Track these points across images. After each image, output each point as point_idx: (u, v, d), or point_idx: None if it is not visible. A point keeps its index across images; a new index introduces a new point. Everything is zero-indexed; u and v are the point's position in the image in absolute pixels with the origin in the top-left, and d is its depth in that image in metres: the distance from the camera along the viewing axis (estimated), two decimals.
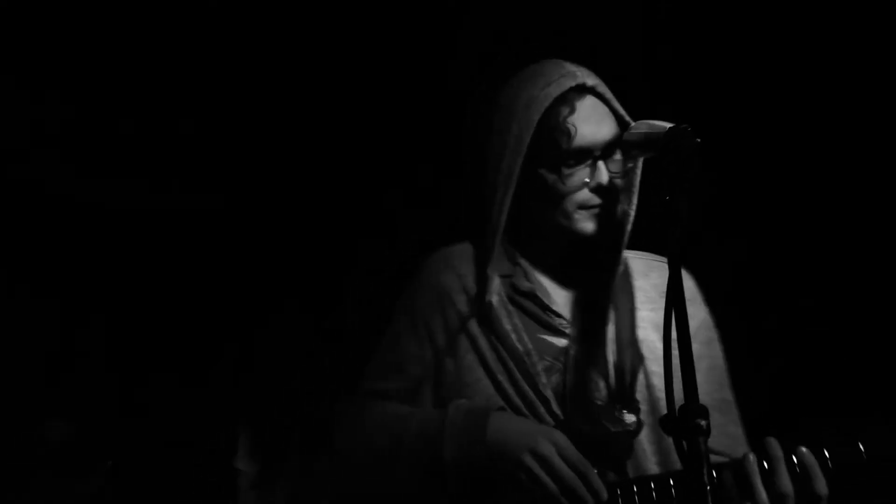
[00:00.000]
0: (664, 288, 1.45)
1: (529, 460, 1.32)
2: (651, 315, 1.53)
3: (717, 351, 1.57)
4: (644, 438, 1.45)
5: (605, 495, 1.31)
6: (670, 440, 1.36)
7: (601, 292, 1.55)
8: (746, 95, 2.53)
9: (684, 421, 1.08)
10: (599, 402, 1.46)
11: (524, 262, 1.58)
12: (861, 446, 1.24)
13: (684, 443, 1.08)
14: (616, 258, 1.55)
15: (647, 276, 1.60)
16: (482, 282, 1.54)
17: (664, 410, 1.37)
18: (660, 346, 1.46)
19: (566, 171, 1.49)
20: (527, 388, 1.47)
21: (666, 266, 1.48)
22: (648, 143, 1.39)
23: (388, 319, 1.64)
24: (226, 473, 2.59)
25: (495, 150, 1.56)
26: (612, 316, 1.53)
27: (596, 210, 1.50)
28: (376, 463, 1.46)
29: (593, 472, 1.32)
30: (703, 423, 1.07)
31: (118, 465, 2.46)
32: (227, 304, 2.78)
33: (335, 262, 2.77)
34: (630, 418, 1.42)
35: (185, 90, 2.72)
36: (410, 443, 1.42)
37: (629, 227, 1.55)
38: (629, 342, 1.50)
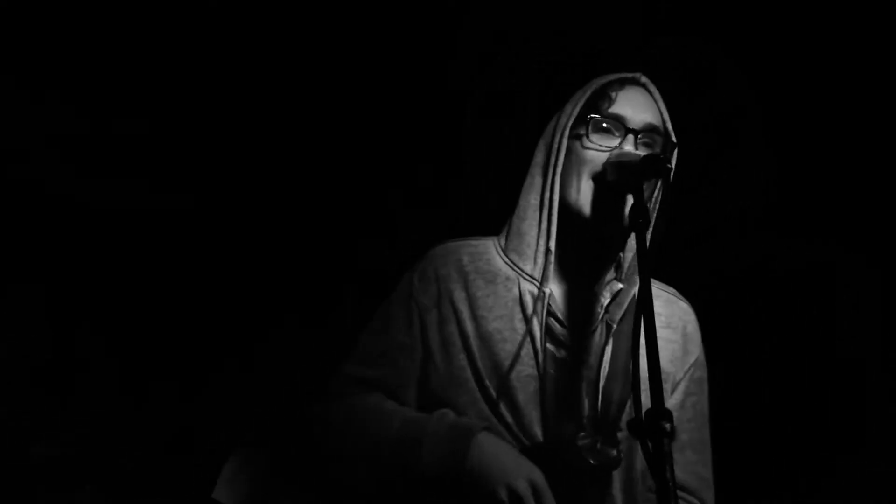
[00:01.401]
0: (668, 320, 1.55)
1: (504, 496, 1.32)
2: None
3: (704, 390, 1.59)
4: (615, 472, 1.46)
5: None
6: (638, 476, 1.47)
7: (608, 311, 1.52)
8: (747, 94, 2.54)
9: (650, 424, 1.10)
10: (582, 433, 1.44)
11: (549, 267, 1.51)
12: None
13: (649, 444, 1.09)
14: (633, 273, 1.50)
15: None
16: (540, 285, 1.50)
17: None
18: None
19: (594, 135, 1.49)
20: (517, 399, 1.45)
21: (674, 298, 1.60)
22: (625, 169, 1.39)
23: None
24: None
25: (546, 134, 1.57)
26: (611, 339, 1.50)
27: (607, 198, 1.45)
28: (352, 458, 1.46)
29: None
30: (667, 425, 1.09)
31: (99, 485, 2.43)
32: (228, 306, 2.78)
33: (335, 263, 2.77)
34: (611, 453, 1.42)
35: (189, 92, 2.71)
36: (390, 446, 1.41)
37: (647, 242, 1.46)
38: (623, 369, 1.47)
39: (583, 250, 1.55)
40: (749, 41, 2.50)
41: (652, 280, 1.51)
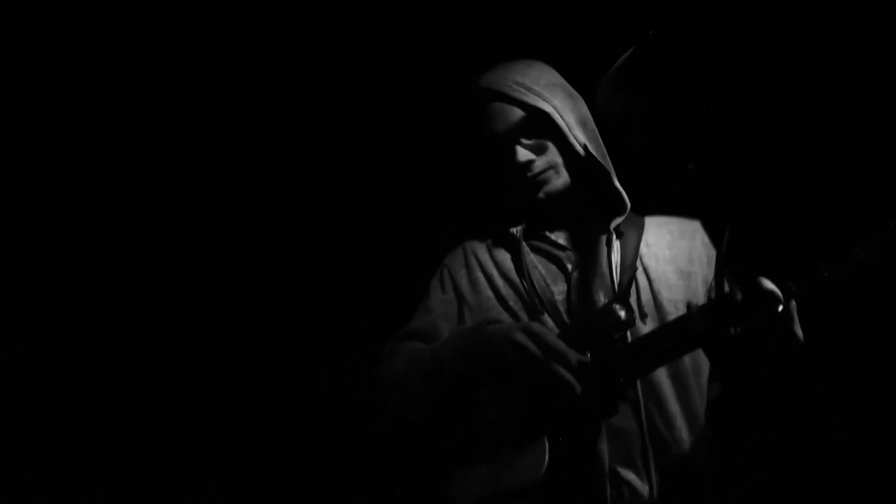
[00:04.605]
0: (681, 230, 1.75)
1: (511, 354, 1.46)
2: (665, 252, 1.70)
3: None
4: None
5: (587, 363, 1.46)
6: (687, 369, 1.59)
7: (606, 229, 1.71)
8: (747, 93, 2.53)
9: None
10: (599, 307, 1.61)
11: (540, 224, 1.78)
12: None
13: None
14: (616, 196, 1.73)
15: (661, 225, 1.77)
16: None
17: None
18: (671, 276, 1.66)
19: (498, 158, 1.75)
20: (539, 307, 1.62)
21: (682, 219, 1.78)
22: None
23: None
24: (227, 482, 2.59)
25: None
26: (616, 246, 1.68)
27: (538, 177, 1.70)
28: (402, 389, 1.62)
29: (572, 353, 1.44)
30: None
31: None
32: (228, 307, 2.79)
33: (337, 266, 2.78)
34: (621, 311, 1.52)
35: (200, 94, 2.71)
36: (423, 365, 1.60)
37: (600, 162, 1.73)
38: (630, 265, 1.65)
39: (557, 208, 1.76)
40: (749, 39, 2.51)
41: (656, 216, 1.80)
